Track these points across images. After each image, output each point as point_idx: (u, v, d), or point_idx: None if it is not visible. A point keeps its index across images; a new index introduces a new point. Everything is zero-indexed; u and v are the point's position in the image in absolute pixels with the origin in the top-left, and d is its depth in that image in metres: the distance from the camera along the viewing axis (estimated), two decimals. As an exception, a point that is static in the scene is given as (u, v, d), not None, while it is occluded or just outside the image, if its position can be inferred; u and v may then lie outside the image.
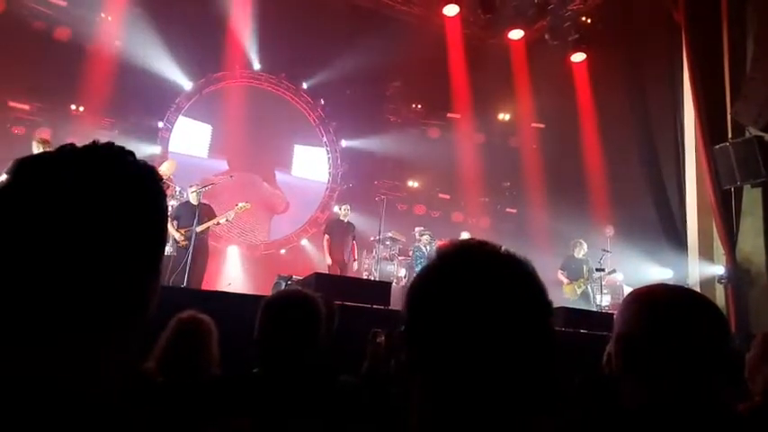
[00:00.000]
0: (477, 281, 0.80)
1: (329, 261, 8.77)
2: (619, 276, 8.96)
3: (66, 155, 0.76)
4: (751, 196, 7.29)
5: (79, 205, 0.72)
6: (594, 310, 8.09)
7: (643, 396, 1.12)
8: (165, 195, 0.83)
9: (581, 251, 8.82)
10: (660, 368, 1.12)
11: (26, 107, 9.27)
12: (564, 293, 8.85)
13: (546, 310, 0.83)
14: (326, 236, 8.95)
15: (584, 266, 8.65)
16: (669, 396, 1.10)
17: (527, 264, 0.84)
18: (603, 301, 8.59)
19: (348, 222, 9.12)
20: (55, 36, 9.29)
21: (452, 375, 0.79)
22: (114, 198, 0.74)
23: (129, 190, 0.76)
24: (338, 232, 8.96)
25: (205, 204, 7.80)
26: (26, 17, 9.11)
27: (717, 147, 7.36)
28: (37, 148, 6.10)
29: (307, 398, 1.67)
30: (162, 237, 0.82)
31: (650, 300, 1.19)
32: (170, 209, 7.24)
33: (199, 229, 7.28)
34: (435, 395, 0.80)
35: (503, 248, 0.86)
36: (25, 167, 0.75)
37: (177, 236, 7.26)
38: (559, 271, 8.91)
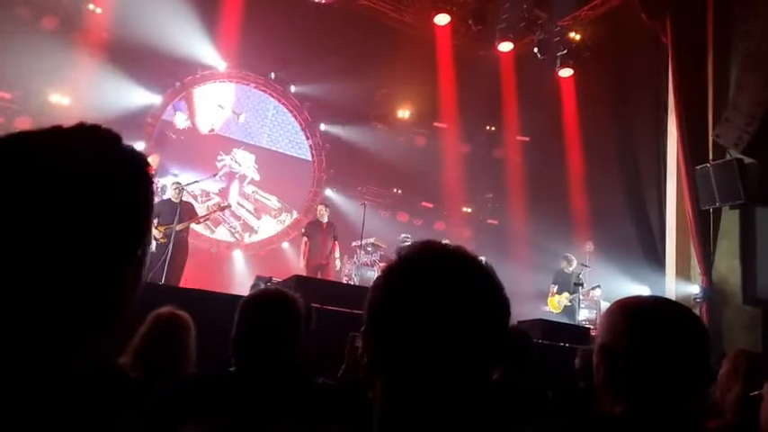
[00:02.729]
0: (436, 280, 0.80)
1: (302, 264, 8.54)
2: (597, 292, 9.05)
3: (50, 134, 0.73)
4: (729, 218, 7.42)
5: (60, 187, 0.69)
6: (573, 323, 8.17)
7: (623, 406, 1.13)
8: (153, 181, 0.80)
9: (570, 266, 8.89)
10: (642, 379, 1.12)
11: (7, 95, 9.11)
12: (547, 306, 8.94)
13: (504, 309, 0.83)
14: (305, 238, 8.74)
15: (572, 281, 8.71)
16: (649, 407, 1.10)
17: (486, 264, 0.84)
18: (581, 315, 8.67)
19: (328, 223, 8.90)
20: (41, 25, 9.15)
21: (411, 375, 0.78)
22: (100, 181, 0.71)
23: (116, 173, 0.74)
24: (317, 234, 8.73)
25: (186, 202, 7.76)
26: (12, 5, 8.97)
27: (698, 168, 7.49)
28: None
29: (282, 398, 1.65)
30: (146, 227, 0.79)
31: (634, 310, 1.20)
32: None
33: (179, 227, 7.23)
34: (394, 395, 0.80)
35: (463, 250, 0.85)
36: (5, 146, 0.72)
37: (156, 233, 7.18)
38: (551, 285, 9.00)
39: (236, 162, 11.36)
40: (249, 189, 11.54)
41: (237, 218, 11.33)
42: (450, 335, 0.77)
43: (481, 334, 0.79)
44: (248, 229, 11.48)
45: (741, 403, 2.27)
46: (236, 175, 11.41)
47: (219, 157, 11.20)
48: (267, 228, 11.74)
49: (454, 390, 0.78)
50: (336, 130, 12.32)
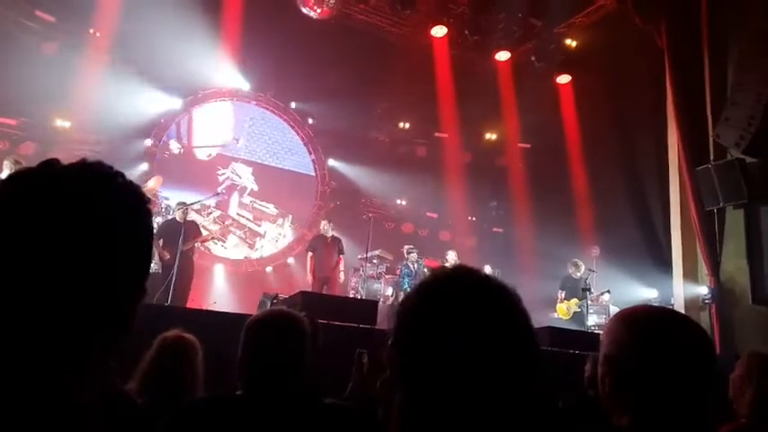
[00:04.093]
0: (468, 305, 0.83)
1: (310, 279, 8.61)
2: (606, 297, 8.99)
3: (54, 173, 0.76)
4: (733, 217, 7.37)
5: (65, 224, 0.71)
6: (583, 330, 8.09)
7: (631, 417, 1.12)
8: (151, 216, 0.84)
9: (578, 271, 8.82)
10: (648, 389, 1.12)
11: (12, 122, 9.19)
12: (556, 312, 8.86)
13: (530, 337, 0.85)
14: (309, 253, 8.80)
15: (580, 287, 8.63)
16: (657, 417, 1.10)
17: (514, 292, 0.88)
18: (590, 320, 8.59)
19: (333, 237, 8.91)
20: (43, 51, 9.25)
21: (434, 394, 0.80)
22: (101, 218, 0.74)
23: (115, 211, 0.76)
24: (321, 248, 8.75)
25: (190, 222, 7.78)
26: (14, 32, 9.07)
27: (699, 168, 7.46)
28: (8, 168, 6.07)
29: (291, 419, 1.64)
30: (146, 258, 0.83)
31: (637, 320, 1.20)
32: (155, 226, 7.23)
33: (184, 247, 7.24)
34: (414, 408, 0.81)
35: (493, 275, 0.90)
36: (13, 184, 0.75)
37: (162, 253, 7.21)
38: (559, 291, 8.93)
39: (236, 174, 11.78)
40: (247, 200, 11.90)
41: (242, 227, 11.67)
42: (474, 353, 0.80)
43: (501, 355, 0.81)
44: (256, 234, 11.79)
45: (755, 406, 2.25)
46: (237, 187, 11.76)
47: (220, 172, 11.57)
48: (270, 231, 11.97)
49: (474, 406, 0.79)
50: (338, 143, 12.36)
